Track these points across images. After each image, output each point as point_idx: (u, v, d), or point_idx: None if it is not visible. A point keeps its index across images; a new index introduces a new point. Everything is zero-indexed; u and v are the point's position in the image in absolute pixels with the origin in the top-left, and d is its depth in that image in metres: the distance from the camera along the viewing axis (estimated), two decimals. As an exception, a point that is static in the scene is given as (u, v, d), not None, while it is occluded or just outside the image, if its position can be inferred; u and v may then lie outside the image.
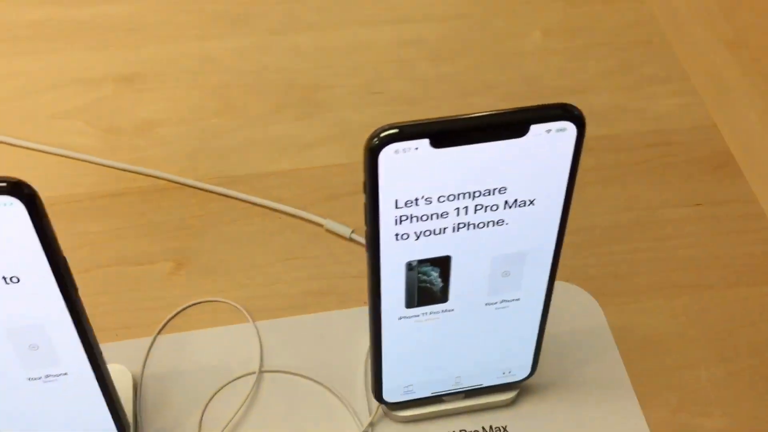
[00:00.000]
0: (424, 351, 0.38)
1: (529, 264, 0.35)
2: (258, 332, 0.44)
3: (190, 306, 0.45)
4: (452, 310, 0.36)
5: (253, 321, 0.45)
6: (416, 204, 0.30)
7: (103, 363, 0.35)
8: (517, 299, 0.36)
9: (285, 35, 0.61)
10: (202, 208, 0.51)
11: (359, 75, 0.59)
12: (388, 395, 0.40)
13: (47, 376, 0.35)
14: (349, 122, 0.56)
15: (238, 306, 0.45)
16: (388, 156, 0.28)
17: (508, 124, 0.29)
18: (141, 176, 0.52)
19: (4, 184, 0.28)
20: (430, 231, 0.32)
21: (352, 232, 0.49)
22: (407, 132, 0.28)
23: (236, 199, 0.51)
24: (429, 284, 0.34)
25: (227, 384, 0.42)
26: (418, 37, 0.61)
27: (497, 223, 0.32)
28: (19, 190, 0.28)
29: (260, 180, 0.52)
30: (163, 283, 0.47)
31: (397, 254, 0.32)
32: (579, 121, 0.29)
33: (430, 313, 0.36)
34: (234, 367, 0.43)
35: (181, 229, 0.49)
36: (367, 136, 0.29)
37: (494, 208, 0.31)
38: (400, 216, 0.31)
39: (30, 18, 0.61)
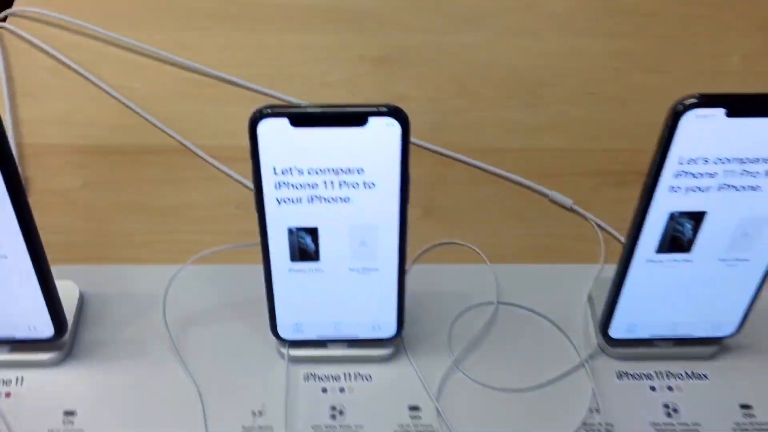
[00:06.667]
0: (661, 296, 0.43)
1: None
2: (494, 272, 0.52)
3: (435, 246, 0.53)
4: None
5: (489, 263, 0.52)
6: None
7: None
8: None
9: (512, 37, 0.69)
10: (445, 169, 0.59)
11: (577, 77, 0.66)
12: (614, 332, 0.46)
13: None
14: (567, 115, 0.63)
15: (477, 249, 0.53)
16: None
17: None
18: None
19: (385, 109, 0.35)
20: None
21: (573, 203, 0.56)
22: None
23: (473, 166, 0.58)
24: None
25: (470, 308, 0.50)
26: (629, 51, 0.68)
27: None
28: (398, 114, 0.35)
29: (494, 153, 0.59)
30: (413, 225, 0.54)
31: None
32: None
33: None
34: (475, 297, 0.50)
35: (428, 184, 0.57)
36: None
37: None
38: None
39: (305, 1, 0.71)
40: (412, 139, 0.62)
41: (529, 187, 0.57)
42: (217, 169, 0.58)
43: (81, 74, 0.63)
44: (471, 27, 0.70)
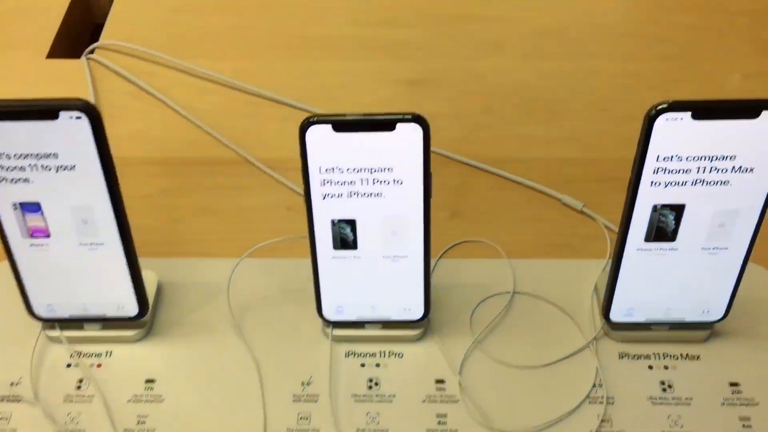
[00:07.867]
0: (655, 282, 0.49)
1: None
2: (512, 266, 0.58)
3: (460, 243, 0.60)
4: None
5: (508, 257, 0.58)
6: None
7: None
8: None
9: (532, 61, 0.76)
10: (470, 177, 0.65)
11: (590, 95, 0.72)
12: (614, 316, 0.51)
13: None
14: (581, 129, 0.69)
15: (497, 246, 0.59)
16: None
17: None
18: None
19: (410, 117, 0.43)
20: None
21: (583, 205, 0.62)
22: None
23: (495, 174, 0.65)
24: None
25: (489, 297, 0.56)
26: (639, 71, 0.74)
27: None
28: (421, 120, 0.42)
29: (513, 163, 0.65)
30: (440, 225, 0.61)
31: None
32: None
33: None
34: (494, 287, 0.57)
35: (455, 190, 0.64)
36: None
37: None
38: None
39: (347, 33, 0.78)
40: (441, 150, 0.70)
41: (543, 192, 0.64)
42: (272, 177, 0.66)
43: (156, 97, 0.72)
44: (495, 53, 0.77)
